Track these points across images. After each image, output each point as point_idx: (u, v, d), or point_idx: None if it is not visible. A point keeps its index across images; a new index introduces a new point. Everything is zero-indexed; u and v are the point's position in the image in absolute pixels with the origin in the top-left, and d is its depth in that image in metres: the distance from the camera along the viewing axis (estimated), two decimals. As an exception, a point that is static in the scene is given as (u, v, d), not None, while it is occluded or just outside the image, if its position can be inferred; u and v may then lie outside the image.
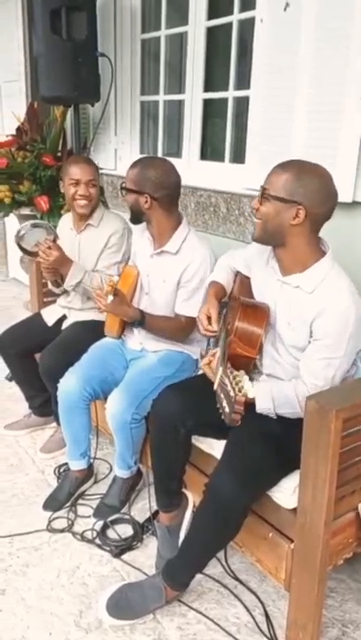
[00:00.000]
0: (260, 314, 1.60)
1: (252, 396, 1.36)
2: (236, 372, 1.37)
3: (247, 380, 1.34)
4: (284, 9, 2.16)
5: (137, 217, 2.06)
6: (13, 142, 3.57)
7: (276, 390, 1.56)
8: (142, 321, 2.03)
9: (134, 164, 2.02)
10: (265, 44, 2.30)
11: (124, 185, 2.02)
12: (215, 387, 1.41)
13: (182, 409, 1.69)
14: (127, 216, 2.49)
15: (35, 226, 2.40)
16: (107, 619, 1.63)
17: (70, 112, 3.44)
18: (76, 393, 2.03)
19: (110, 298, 1.87)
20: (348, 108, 1.99)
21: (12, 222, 4.31)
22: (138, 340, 2.15)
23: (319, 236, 1.57)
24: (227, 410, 1.34)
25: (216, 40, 2.87)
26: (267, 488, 1.55)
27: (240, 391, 1.31)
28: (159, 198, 1.97)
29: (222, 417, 1.37)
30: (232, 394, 1.32)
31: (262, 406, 1.54)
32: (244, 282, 1.81)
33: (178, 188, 2.03)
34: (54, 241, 2.31)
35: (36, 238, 2.33)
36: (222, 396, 1.38)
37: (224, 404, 1.36)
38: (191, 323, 1.99)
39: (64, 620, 1.66)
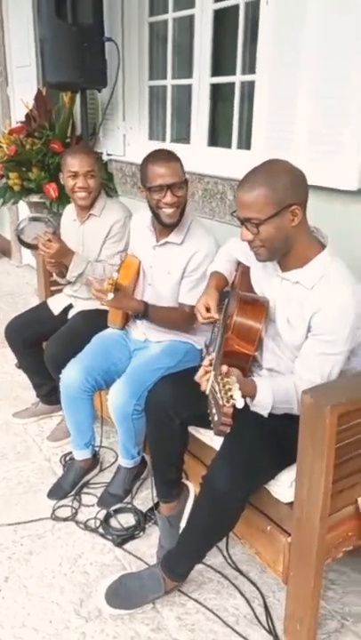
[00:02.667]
0: (258, 308, 1.55)
1: (240, 407, 1.24)
2: (226, 379, 1.27)
3: (237, 389, 1.25)
4: (290, -11, 2.09)
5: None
6: (22, 129, 3.55)
7: (276, 385, 1.52)
8: (146, 313, 2.02)
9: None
10: (270, 27, 2.23)
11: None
12: (207, 391, 1.32)
13: (176, 400, 1.68)
14: (132, 203, 2.47)
15: (33, 219, 2.41)
16: (105, 608, 1.65)
17: (79, 98, 3.41)
18: (77, 383, 2.03)
19: (111, 295, 1.86)
20: (354, 93, 1.92)
21: (24, 210, 4.32)
22: (141, 330, 2.15)
23: (317, 228, 1.54)
24: (215, 419, 1.24)
25: (224, 23, 2.80)
26: (264, 481, 1.54)
27: (228, 401, 1.21)
28: None
29: (211, 425, 1.26)
30: (221, 403, 1.22)
31: (263, 401, 1.49)
32: (245, 273, 1.76)
33: None
34: (54, 233, 2.31)
35: (35, 231, 2.34)
36: (213, 403, 1.28)
37: (213, 411, 1.26)
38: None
39: (64, 608, 1.68)
